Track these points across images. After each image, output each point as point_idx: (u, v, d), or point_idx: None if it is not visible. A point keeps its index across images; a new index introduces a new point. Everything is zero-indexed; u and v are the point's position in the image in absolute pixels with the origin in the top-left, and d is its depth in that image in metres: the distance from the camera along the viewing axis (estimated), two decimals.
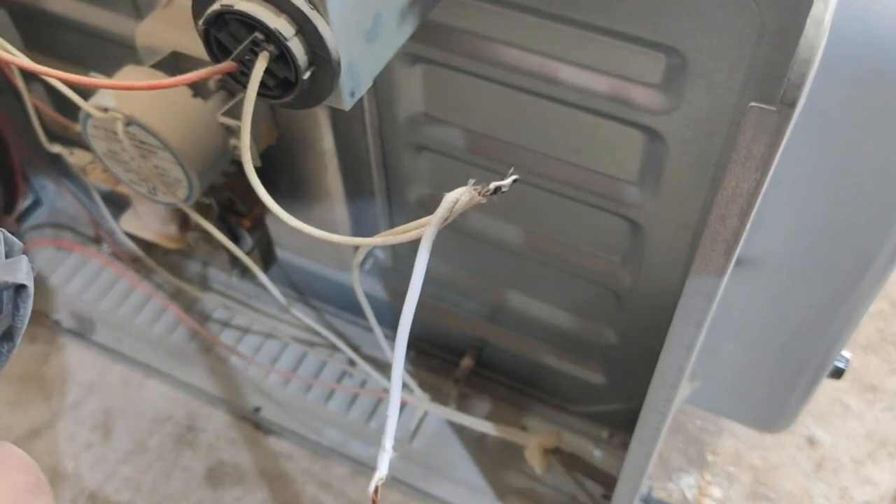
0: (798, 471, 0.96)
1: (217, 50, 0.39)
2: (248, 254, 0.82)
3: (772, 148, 0.36)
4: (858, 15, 0.44)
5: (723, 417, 0.95)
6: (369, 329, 0.80)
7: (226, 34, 0.38)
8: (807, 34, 0.34)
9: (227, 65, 0.39)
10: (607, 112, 0.59)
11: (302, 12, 0.36)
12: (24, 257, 0.27)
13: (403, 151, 0.74)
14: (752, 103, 0.35)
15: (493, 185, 0.35)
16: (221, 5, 0.37)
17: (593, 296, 0.78)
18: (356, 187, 0.79)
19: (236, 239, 0.82)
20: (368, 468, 0.94)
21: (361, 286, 0.68)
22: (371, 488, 0.38)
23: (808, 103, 0.37)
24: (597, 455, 0.94)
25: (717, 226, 0.42)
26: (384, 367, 0.96)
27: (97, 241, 1.14)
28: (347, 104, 0.41)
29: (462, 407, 0.97)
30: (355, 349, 0.96)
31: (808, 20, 0.34)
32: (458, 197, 0.35)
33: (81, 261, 1.12)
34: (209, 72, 0.39)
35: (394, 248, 0.87)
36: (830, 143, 0.51)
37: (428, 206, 0.78)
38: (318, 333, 0.95)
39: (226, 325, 1.06)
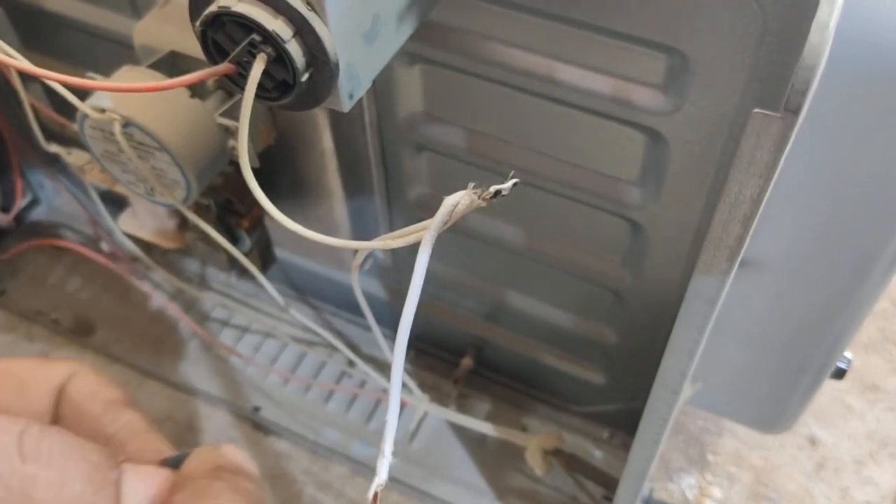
0: (799, 471, 0.96)
1: (214, 51, 0.39)
2: (246, 254, 0.81)
3: (776, 154, 0.36)
4: (863, 16, 0.43)
5: (724, 418, 0.94)
6: (368, 329, 0.80)
7: (223, 36, 0.38)
8: (811, 39, 0.33)
9: (225, 66, 0.38)
10: (608, 113, 0.59)
11: (300, 14, 0.36)
12: None
13: (403, 151, 0.73)
14: (756, 109, 0.35)
15: (493, 189, 0.34)
16: (218, 7, 0.37)
17: (594, 295, 0.77)
18: (356, 187, 0.78)
19: (235, 240, 0.81)
20: (368, 468, 0.94)
21: (361, 287, 0.68)
22: (370, 494, 0.38)
23: (811, 105, 0.37)
24: (597, 455, 0.93)
25: (720, 231, 0.41)
26: (383, 367, 0.96)
27: (95, 240, 1.13)
28: (346, 106, 0.41)
29: (462, 407, 0.97)
30: (354, 349, 0.96)
31: (814, 25, 0.33)
32: (458, 201, 0.35)
33: (80, 260, 1.12)
34: (206, 74, 0.39)
35: (393, 249, 0.87)
36: (834, 145, 0.51)
37: (428, 206, 0.78)
38: (317, 333, 0.95)
39: (225, 324, 1.05)
